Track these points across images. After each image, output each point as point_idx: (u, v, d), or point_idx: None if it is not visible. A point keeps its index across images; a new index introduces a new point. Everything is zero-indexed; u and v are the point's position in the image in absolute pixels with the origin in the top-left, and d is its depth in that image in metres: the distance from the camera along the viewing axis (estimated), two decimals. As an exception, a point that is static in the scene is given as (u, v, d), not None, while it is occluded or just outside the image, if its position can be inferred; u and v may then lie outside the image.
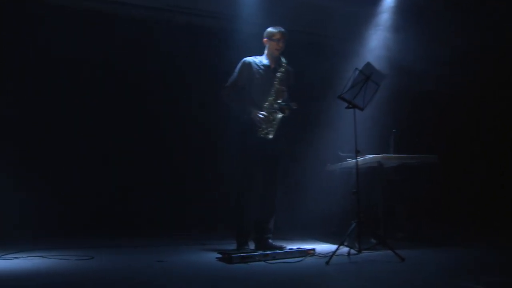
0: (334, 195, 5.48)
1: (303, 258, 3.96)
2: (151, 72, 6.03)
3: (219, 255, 4.00)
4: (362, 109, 4.14)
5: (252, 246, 4.49)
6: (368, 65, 3.97)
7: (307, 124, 6.11)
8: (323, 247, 4.45)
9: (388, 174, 5.00)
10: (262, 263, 3.77)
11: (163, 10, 6.02)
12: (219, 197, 5.87)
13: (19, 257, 3.98)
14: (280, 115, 4.32)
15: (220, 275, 3.43)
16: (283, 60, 4.43)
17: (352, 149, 5.22)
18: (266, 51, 4.54)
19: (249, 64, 4.46)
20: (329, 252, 3.93)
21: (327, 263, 3.68)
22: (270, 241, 4.50)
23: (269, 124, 4.31)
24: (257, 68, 4.46)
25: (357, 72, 3.88)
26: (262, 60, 4.52)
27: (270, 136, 4.31)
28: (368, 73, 3.95)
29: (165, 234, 5.56)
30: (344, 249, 4.11)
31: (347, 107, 4.05)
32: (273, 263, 3.78)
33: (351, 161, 5.09)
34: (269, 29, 4.51)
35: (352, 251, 4.05)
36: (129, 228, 5.65)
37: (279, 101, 4.33)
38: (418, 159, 4.92)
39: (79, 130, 5.70)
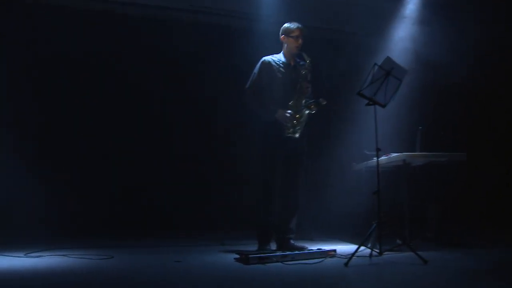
0: (360, 195, 5.34)
1: (323, 259, 3.87)
2: (169, 72, 6.04)
3: (237, 256, 3.95)
4: (383, 106, 4.00)
5: (274, 246, 4.42)
6: (388, 60, 3.83)
7: (331, 122, 5.99)
8: (346, 248, 4.33)
9: (414, 173, 4.84)
10: (280, 264, 3.71)
11: (181, 10, 6.03)
12: (242, 196, 5.81)
13: (42, 256, 4.05)
14: (307, 112, 4.24)
15: (235, 276, 3.38)
16: (305, 56, 4.32)
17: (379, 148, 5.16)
18: (284, 49, 4.44)
19: (268, 63, 4.39)
20: (350, 254, 3.82)
21: (345, 264, 3.57)
22: (292, 241, 4.43)
23: (297, 122, 4.23)
24: (277, 66, 4.39)
25: (376, 67, 3.75)
26: (280, 58, 4.44)
27: (297, 135, 4.23)
28: (388, 68, 3.80)
29: (186, 234, 5.54)
30: (366, 251, 4.01)
31: (367, 104, 3.92)
32: (291, 264, 3.71)
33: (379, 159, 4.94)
34: (286, 25, 4.40)
35: (374, 252, 3.93)
36: (152, 228, 5.67)
37: (306, 99, 4.27)
38: (446, 157, 4.73)
39: (98, 130, 5.76)
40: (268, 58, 4.43)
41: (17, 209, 5.02)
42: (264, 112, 4.34)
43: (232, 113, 5.54)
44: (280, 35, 4.42)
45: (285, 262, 3.73)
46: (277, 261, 3.74)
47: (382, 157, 4.88)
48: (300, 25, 4.37)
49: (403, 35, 5.69)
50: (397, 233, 4.37)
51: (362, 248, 3.87)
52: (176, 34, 5.87)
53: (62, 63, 5.65)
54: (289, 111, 4.24)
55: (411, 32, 5.68)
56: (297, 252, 4.00)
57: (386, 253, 3.97)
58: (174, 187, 5.88)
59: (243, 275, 3.41)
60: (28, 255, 4.06)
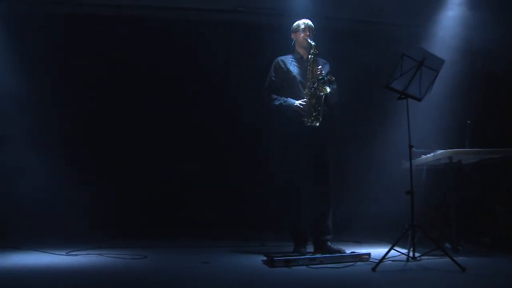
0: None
1: (353, 263, 3.67)
2: (205, 72, 6.05)
3: (265, 258, 3.86)
4: (419, 100, 3.73)
5: (311, 248, 4.30)
6: (419, 49, 3.54)
7: (377, 119, 5.69)
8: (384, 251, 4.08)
9: (463, 171, 4.46)
10: (306, 267, 3.56)
11: (213, 11, 6.04)
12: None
13: (80, 254, 4.22)
14: (322, 94, 4.15)
15: (256, 279, 3.31)
16: (312, 42, 4.29)
17: (427, 144, 4.83)
18: (296, 45, 4.48)
19: (282, 61, 4.45)
20: (388, 257, 3.59)
21: (373, 269, 3.36)
22: (329, 243, 4.26)
23: (313, 108, 4.16)
24: (291, 63, 4.41)
25: (404, 58, 3.48)
26: (293, 55, 4.48)
27: (317, 124, 4.15)
28: (420, 59, 3.52)
29: (223, 234, 5.54)
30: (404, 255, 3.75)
31: (399, 98, 3.66)
32: (318, 268, 3.55)
33: (425, 157, 4.64)
34: (294, 23, 4.47)
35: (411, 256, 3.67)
36: (188, 229, 5.71)
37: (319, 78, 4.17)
38: (500, 154, 4.32)
39: (135, 131, 5.89)
40: (280, 57, 4.50)
41: (59, 209, 5.25)
42: (281, 108, 4.30)
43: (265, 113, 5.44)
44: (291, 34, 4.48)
45: (312, 266, 3.59)
46: (302, 265, 3.60)
47: (428, 155, 4.59)
48: (306, 20, 4.43)
49: (448, 23, 5.27)
50: (443, 237, 4.06)
51: (395, 252, 3.62)
52: (207, 35, 5.94)
53: (103, 65, 5.86)
54: (303, 99, 4.20)
55: (458, 18, 5.24)
56: (327, 255, 3.84)
57: (423, 258, 3.69)
58: (212, 188, 5.91)
59: (265, 278, 3.32)
60: (69, 253, 4.24)
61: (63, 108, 5.64)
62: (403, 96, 3.64)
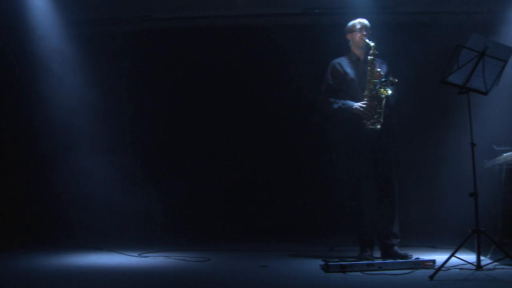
0: (494, 196, 4.62)
1: (413, 270, 3.45)
2: (272, 76, 6.04)
3: (323, 263, 3.77)
4: (485, 93, 3.41)
5: (378, 253, 4.17)
6: (479, 38, 3.23)
7: (451, 116, 5.29)
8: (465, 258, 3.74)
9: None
10: (361, 273, 3.42)
11: (280, 15, 6.03)
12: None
13: (148, 256, 4.44)
14: (383, 97, 4.00)
15: (308, 285, 3.27)
16: (371, 43, 4.11)
17: (509, 141, 4.43)
18: (351, 46, 4.33)
19: (338, 64, 4.33)
20: (456, 265, 3.37)
21: (430, 278, 3.12)
22: (396, 248, 4.09)
23: (374, 111, 4.02)
24: (347, 65, 4.29)
25: (461, 50, 3.20)
26: (349, 56, 4.34)
27: (378, 126, 4.02)
28: (480, 49, 3.22)
29: (296, 239, 5.49)
30: (473, 262, 3.44)
31: (460, 92, 3.39)
32: (374, 274, 3.40)
33: (505, 156, 4.24)
34: (349, 23, 4.32)
35: (482, 264, 3.35)
36: (258, 233, 5.74)
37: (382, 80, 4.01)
38: None
39: (209, 134, 6.04)
40: (336, 59, 4.38)
41: (133, 212, 5.57)
42: (341, 111, 4.18)
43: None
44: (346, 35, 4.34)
45: (368, 272, 3.44)
46: (357, 270, 3.46)
47: (509, 153, 4.19)
48: (361, 19, 4.26)
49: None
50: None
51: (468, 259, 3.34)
52: (273, 39, 5.96)
53: (183, 72, 6.11)
54: (363, 102, 4.06)
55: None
56: (386, 261, 3.65)
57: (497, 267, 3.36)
58: (280, 191, 5.88)
59: (316, 284, 3.27)
60: (141, 255, 4.48)
61: (136, 113, 5.99)
62: (464, 91, 3.36)
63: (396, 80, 3.99)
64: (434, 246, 4.78)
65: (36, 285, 3.33)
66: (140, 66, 5.99)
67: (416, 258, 3.71)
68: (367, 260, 3.78)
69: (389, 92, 3.97)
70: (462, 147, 4.98)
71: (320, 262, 3.78)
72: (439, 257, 3.60)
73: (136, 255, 4.48)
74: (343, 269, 3.49)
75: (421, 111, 5.41)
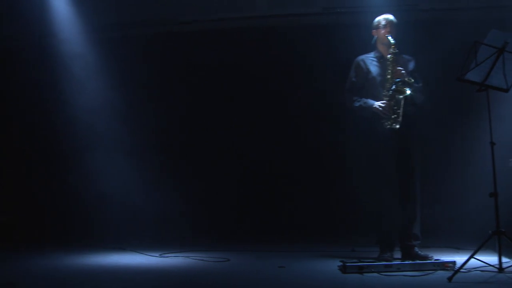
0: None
1: (433, 272, 3.39)
2: (292, 76, 6.01)
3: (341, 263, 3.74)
4: (506, 90, 3.33)
5: (399, 254, 4.10)
6: (496, 34, 3.15)
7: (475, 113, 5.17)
8: (489, 260, 3.62)
9: None
10: (379, 275, 3.39)
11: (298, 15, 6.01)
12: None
13: (169, 256, 4.51)
14: (401, 97, 3.93)
15: (323, 285, 3.29)
16: (391, 40, 4.05)
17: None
18: (377, 43, 4.27)
19: (362, 61, 4.28)
20: (477, 267, 3.32)
21: (449, 279, 3.07)
22: (416, 249, 4.03)
23: (392, 111, 3.97)
24: (371, 61, 4.23)
25: (479, 46, 3.13)
26: (374, 53, 4.28)
27: (397, 126, 3.96)
28: (499, 44, 3.14)
29: (312, 239, 5.47)
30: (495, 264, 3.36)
31: (479, 90, 3.31)
32: (392, 275, 3.36)
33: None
34: (375, 19, 4.25)
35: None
36: (278, 233, 5.71)
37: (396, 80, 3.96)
38: None
39: (228, 135, 6.05)
40: (361, 56, 4.33)
41: (154, 212, 5.64)
42: (362, 110, 4.16)
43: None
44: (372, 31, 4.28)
45: (386, 273, 3.40)
46: (375, 271, 3.42)
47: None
48: (387, 15, 4.19)
49: None
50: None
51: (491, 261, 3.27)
52: (291, 39, 5.94)
53: (202, 75, 6.12)
54: (382, 101, 4.01)
55: None
56: (406, 262, 3.61)
57: None
58: (302, 191, 5.85)
59: (332, 284, 3.28)
60: (162, 255, 4.55)
61: (156, 114, 6.04)
62: (483, 88, 3.29)
63: (412, 80, 3.93)
64: (458, 247, 4.66)
65: (59, 284, 3.44)
66: (161, 68, 6.06)
67: (436, 260, 3.66)
68: (386, 261, 3.74)
69: (408, 92, 3.90)
70: (487, 145, 4.90)
71: (339, 263, 3.77)
72: (462, 259, 3.45)
73: (157, 255, 4.55)
74: (360, 270, 3.46)
75: (442, 109, 5.29)
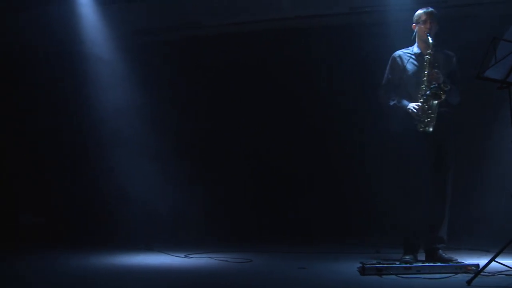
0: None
1: (454, 274, 3.31)
2: (318, 76, 5.99)
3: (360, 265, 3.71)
4: (529, 87, 3.21)
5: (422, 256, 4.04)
6: (516, 29, 3.05)
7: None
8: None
9: None
10: (397, 277, 3.33)
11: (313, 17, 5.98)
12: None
13: (192, 257, 4.59)
14: (436, 102, 3.83)
15: (341, 287, 3.29)
16: (430, 39, 3.90)
17: None
18: (416, 38, 4.10)
19: (399, 57, 4.13)
20: (502, 271, 3.21)
21: (468, 283, 2.98)
22: (441, 251, 3.95)
23: (426, 114, 3.86)
24: (408, 58, 4.08)
25: (498, 42, 3.03)
26: (413, 49, 4.11)
27: (430, 129, 3.86)
28: (520, 40, 3.04)
29: (337, 240, 5.43)
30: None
31: (500, 88, 3.21)
32: (410, 277, 3.30)
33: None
34: (416, 12, 4.07)
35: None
36: (304, 234, 5.70)
37: (431, 86, 3.83)
38: None
39: (247, 138, 6.12)
40: (398, 52, 4.16)
41: (181, 215, 5.75)
42: (395, 110, 4.05)
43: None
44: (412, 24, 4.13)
45: (404, 275, 3.34)
46: (393, 274, 3.37)
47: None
48: (429, 9, 4.00)
49: None
50: None
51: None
52: (308, 40, 5.95)
53: (227, 77, 6.23)
54: (416, 103, 3.90)
55: None
56: (427, 264, 3.53)
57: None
58: (326, 192, 5.81)
59: (351, 286, 3.27)
60: (187, 256, 4.63)
61: (181, 118, 6.16)
62: (504, 85, 3.18)
63: (448, 87, 3.80)
64: (488, 249, 4.52)
65: (83, 284, 3.56)
66: (186, 72, 6.17)
67: (459, 262, 3.57)
68: (407, 263, 3.68)
69: (442, 97, 3.79)
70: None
71: (359, 264, 3.74)
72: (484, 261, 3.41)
73: (182, 255, 4.64)
74: (379, 272, 3.41)
75: (474, 108, 5.13)
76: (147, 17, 5.94)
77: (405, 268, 3.45)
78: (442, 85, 3.79)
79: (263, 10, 6.04)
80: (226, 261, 4.31)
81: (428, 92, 3.83)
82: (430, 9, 4.00)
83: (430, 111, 3.86)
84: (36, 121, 6.22)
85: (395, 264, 3.58)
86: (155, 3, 5.93)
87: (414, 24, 4.08)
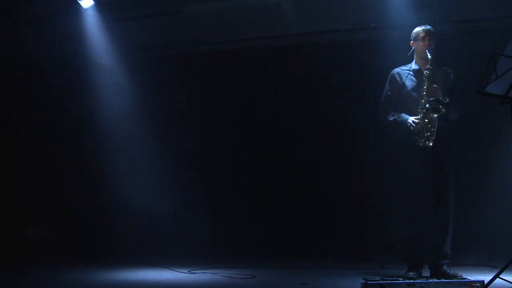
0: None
1: (457, 291, 3.27)
2: (324, 92, 6.03)
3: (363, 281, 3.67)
4: (531, 102, 3.20)
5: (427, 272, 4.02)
6: (517, 44, 3.05)
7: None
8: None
9: None
10: (400, 293, 3.30)
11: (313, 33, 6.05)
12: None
13: (196, 273, 4.57)
14: (435, 116, 3.85)
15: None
16: (429, 56, 3.94)
17: None
18: (415, 55, 4.15)
19: (397, 74, 4.19)
20: None
21: (472, 299, 2.96)
22: (445, 267, 3.93)
23: (426, 128, 3.88)
24: (407, 75, 4.12)
25: (498, 58, 3.04)
26: (411, 65, 4.16)
27: (430, 144, 3.87)
28: (519, 54, 3.04)
29: (347, 255, 5.42)
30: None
31: (503, 103, 3.20)
32: (414, 294, 3.27)
33: None
34: (414, 30, 4.13)
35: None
36: (313, 249, 5.67)
37: (430, 99, 3.86)
38: None
39: (257, 158, 6.16)
40: (396, 69, 4.23)
41: (185, 231, 5.71)
42: (395, 125, 4.08)
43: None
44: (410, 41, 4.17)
45: (403, 292, 3.31)
46: (395, 290, 3.34)
47: None
48: (427, 26, 4.06)
49: None
50: None
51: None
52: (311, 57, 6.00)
53: (233, 94, 6.29)
54: (415, 117, 3.92)
55: None
56: (430, 280, 3.49)
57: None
58: (332, 208, 5.79)
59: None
60: (191, 271, 4.62)
61: (189, 133, 6.21)
62: (506, 101, 3.18)
63: (447, 100, 3.81)
64: (494, 265, 4.47)
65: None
66: (192, 89, 6.23)
67: (463, 279, 3.53)
68: (410, 279, 3.64)
69: (442, 111, 3.81)
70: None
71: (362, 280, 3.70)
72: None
73: (186, 271, 4.62)
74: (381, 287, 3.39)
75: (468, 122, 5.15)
76: (152, 34, 6.02)
77: (408, 284, 3.40)
78: (441, 98, 3.81)
79: (267, 27, 6.11)
80: (230, 277, 4.29)
81: (427, 105, 3.85)
82: (428, 26, 4.06)
83: (429, 125, 3.87)
84: (43, 137, 6.28)
85: (398, 280, 3.54)
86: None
87: (412, 41, 4.13)
